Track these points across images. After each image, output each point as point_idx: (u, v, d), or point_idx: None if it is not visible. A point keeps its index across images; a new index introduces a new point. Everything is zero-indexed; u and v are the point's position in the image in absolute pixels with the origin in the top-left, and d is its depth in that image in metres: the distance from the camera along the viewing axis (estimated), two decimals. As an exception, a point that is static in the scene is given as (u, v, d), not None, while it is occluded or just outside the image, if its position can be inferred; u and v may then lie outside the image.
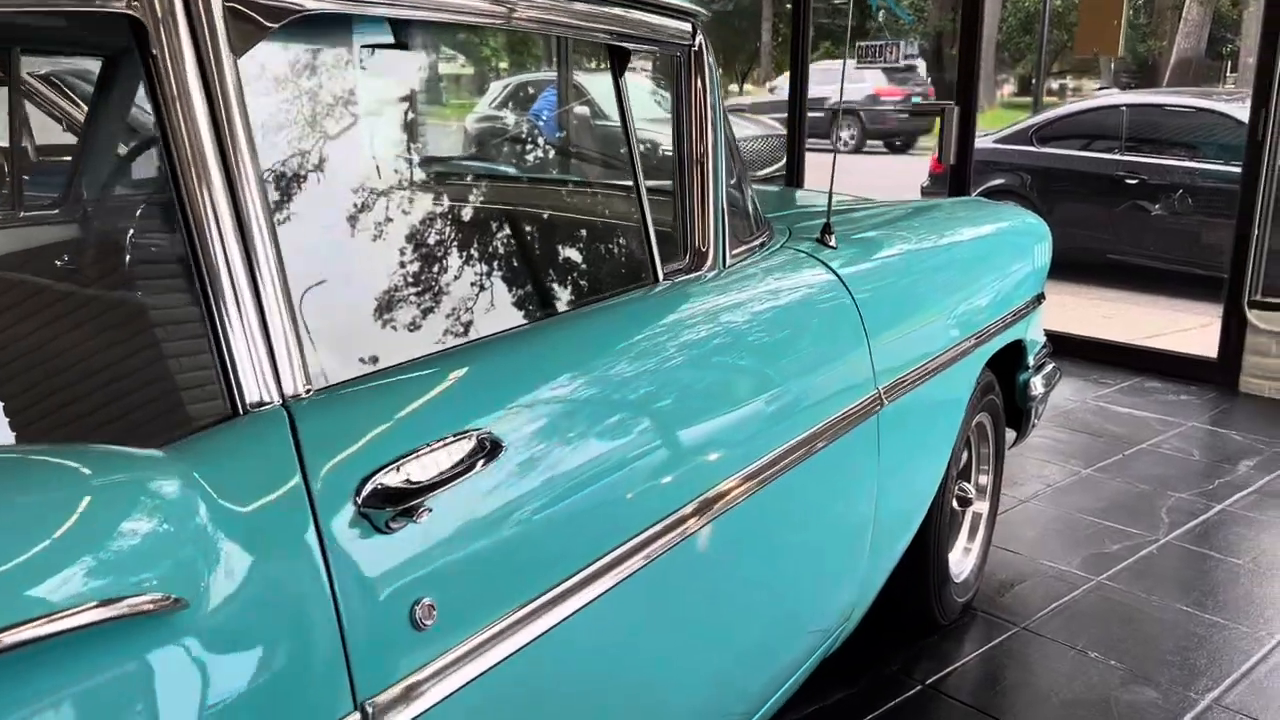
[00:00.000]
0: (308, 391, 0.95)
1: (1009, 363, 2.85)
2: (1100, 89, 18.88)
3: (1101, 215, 7.86)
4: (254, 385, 0.90)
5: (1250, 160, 4.52)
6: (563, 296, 1.44)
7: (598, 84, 5.90)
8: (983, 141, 8.54)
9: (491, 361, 1.13)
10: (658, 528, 1.26)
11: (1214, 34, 21.58)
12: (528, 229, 1.53)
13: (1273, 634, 2.60)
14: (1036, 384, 2.91)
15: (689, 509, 1.31)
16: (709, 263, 1.62)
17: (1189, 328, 6.55)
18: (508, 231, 1.41)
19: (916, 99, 15.27)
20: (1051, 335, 5.30)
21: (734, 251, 1.71)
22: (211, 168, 0.88)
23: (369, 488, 0.90)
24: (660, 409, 1.30)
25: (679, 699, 1.43)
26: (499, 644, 1.04)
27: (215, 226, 0.88)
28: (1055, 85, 25.28)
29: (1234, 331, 4.63)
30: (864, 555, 1.94)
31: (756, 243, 1.84)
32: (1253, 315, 4.55)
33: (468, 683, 0.99)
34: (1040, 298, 2.99)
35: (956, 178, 5.46)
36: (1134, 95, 9.09)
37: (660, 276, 1.52)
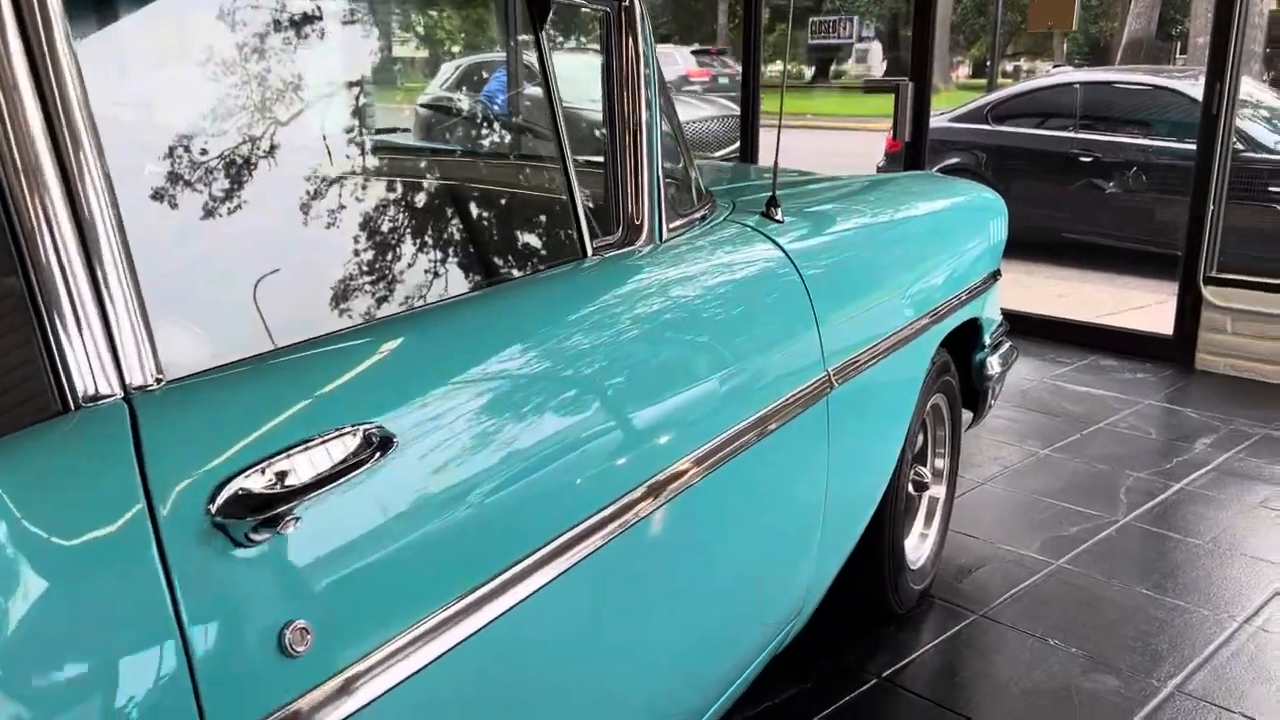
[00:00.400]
0: (158, 382, 0.82)
1: (965, 342, 2.76)
2: (1055, 67, 18.95)
3: (1056, 193, 7.83)
4: (87, 374, 0.76)
5: (1205, 134, 4.47)
6: (470, 275, 1.31)
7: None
8: (938, 120, 8.48)
9: (384, 346, 1.00)
10: (577, 531, 1.14)
11: (1164, 14, 21.77)
12: (430, 202, 1.39)
13: (1234, 617, 2.54)
14: (993, 363, 2.83)
15: (607, 512, 1.19)
16: (644, 236, 1.50)
17: (1144, 305, 6.54)
18: (406, 204, 1.28)
19: (724, 79, 13.88)
20: (1006, 314, 5.23)
21: (672, 225, 1.59)
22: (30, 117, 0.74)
23: (226, 494, 0.77)
24: (583, 396, 1.18)
25: (625, 702, 1.32)
26: (397, 664, 0.92)
27: (37, 184, 0.74)
28: (1010, 67, 25.39)
29: (1189, 308, 4.59)
30: (816, 543, 1.84)
31: (697, 216, 1.72)
32: (1208, 292, 4.51)
33: (358, 710, 0.87)
34: (996, 274, 2.90)
35: (912, 155, 5.37)
36: (1087, 73, 9.06)
37: (589, 251, 1.39)
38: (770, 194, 1.85)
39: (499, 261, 1.36)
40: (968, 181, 3.01)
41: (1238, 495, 3.27)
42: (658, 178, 1.50)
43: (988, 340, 2.82)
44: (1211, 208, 4.45)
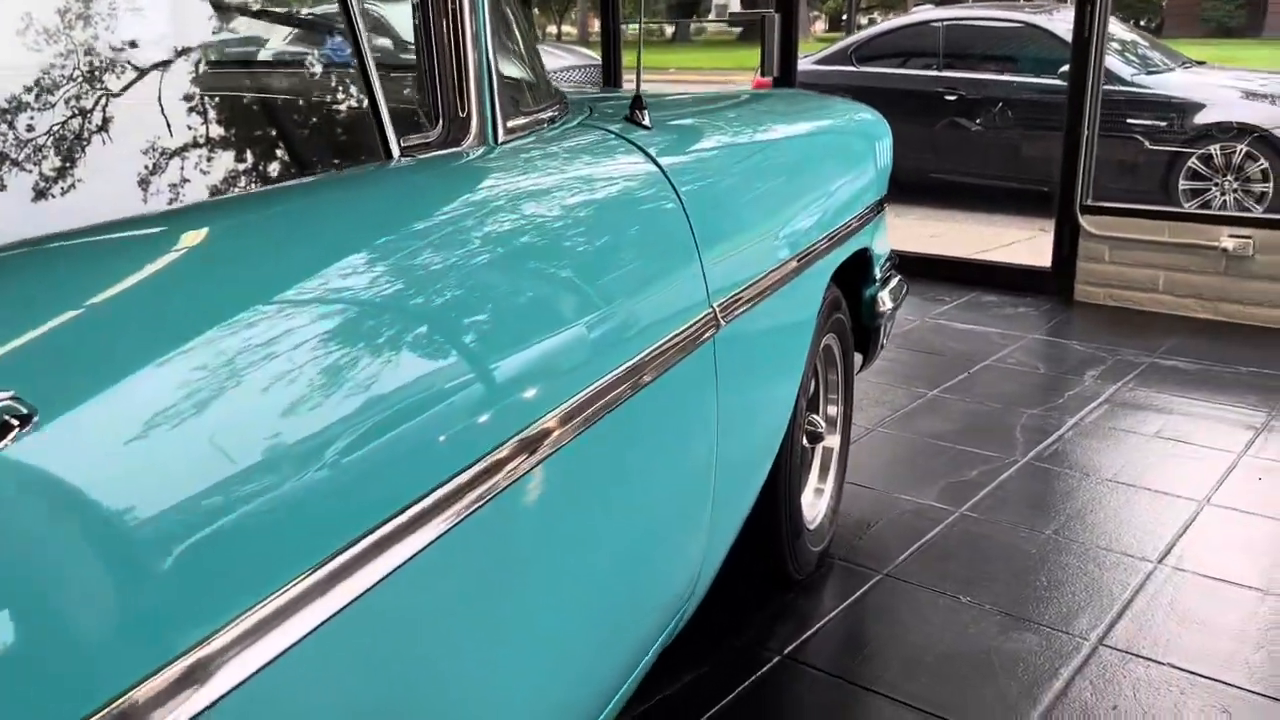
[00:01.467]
0: None
1: (853, 276, 2.52)
2: (918, 4, 19.03)
3: (923, 134, 7.73)
4: None
5: (1077, 59, 4.34)
6: (197, 184, 0.95)
7: None
8: (801, 64, 8.29)
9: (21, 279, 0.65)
10: (409, 514, 0.81)
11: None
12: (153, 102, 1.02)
13: (1147, 557, 2.37)
14: (884, 299, 2.59)
15: (437, 495, 0.87)
16: (472, 134, 1.16)
17: (1015, 240, 6.49)
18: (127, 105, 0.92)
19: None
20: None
21: (511, 123, 1.25)
22: None
23: None
24: (393, 340, 0.85)
25: (498, 707, 1.01)
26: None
27: None
28: (865, 21, 25.56)
29: (1067, 239, 4.48)
30: (708, 507, 1.55)
31: (545, 115, 1.39)
32: (1085, 220, 4.40)
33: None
34: (883, 203, 2.66)
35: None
36: (948, 11, 9.00)
37: (396, 151, 1.05)
38: (635, 94, 1.53)
39: (245, 167, 1.00)
40: (848, 101, 2.75)
41: (1133, 427, 3.14)
42: (488, 60, 1.17)
43: (878, 274, 2.58)
44: (1086, 132, 4.33)
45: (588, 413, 1.13)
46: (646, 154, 1.45)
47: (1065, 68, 4.72)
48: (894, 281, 2.71)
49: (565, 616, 1.14)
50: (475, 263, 1.01)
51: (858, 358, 2.65)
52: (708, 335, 1.45)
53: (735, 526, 1.78)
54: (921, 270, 4.90)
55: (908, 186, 7.98)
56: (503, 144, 1.22)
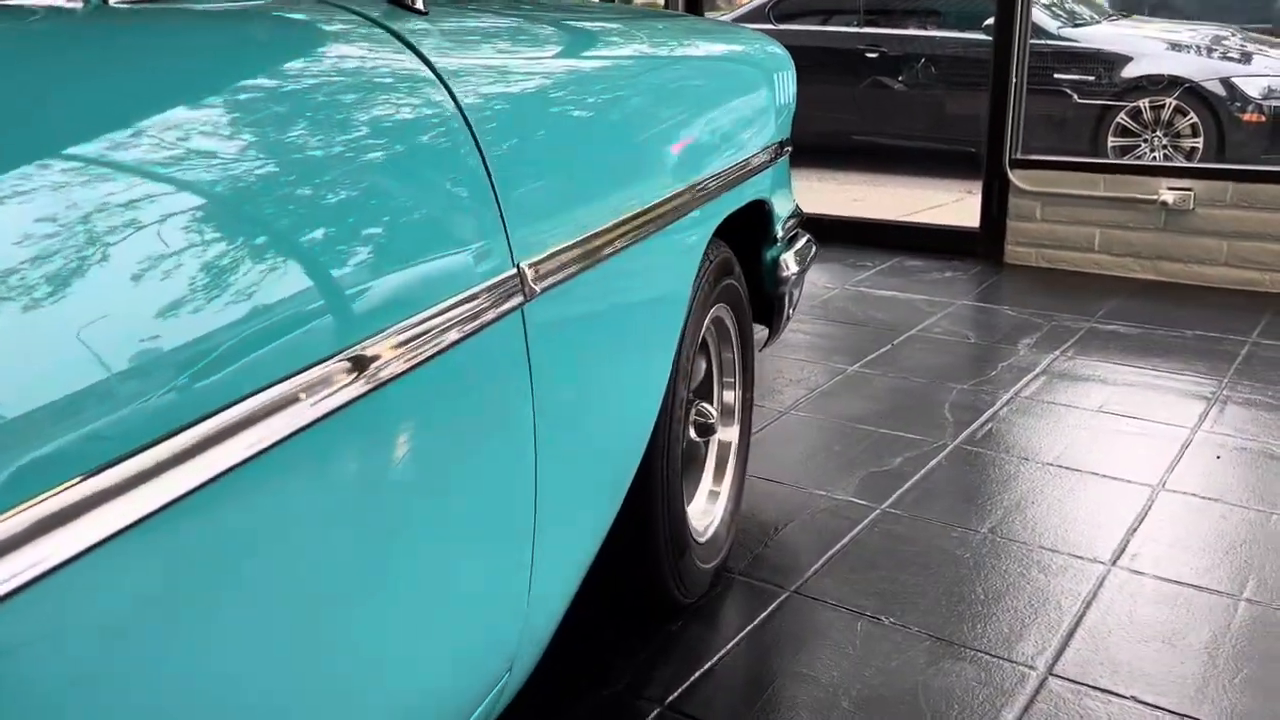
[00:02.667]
0: None
1: (750, 235, 2.12)
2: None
3: (844, 94, 7.37)
4: None
5: (1002, 11, 3.98)
6: None
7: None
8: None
9: None
10: None
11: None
12: None
13: (1097, 558, 2.02)
14: (788, 262, 2.19)
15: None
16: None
17: (941, 204, 6.17)
18: None
19: None
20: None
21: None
22: None
23: None
24: None
25: None
26: None
27: None
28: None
29: (996, 197, 4.14)
30: (528, 535, 1.13)
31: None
32: (1015, 176, 4.06)
33: None
34: (785, 145, 2.26)
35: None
36: (868, -33, 8.61)
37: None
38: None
39: None
40: (748, 29, 2.33)
41: (1073, 401, 2.79)
42: None
43: (780, 232, 2.17)
44: (1014, 79, 3.98)
45: (272, 420, 0.71)
46: (415, 50, 1.02)
47: (990, 21, 4.37)
48: (801, 242, 2.31)
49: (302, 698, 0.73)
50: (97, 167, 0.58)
51: (760, 331, 2.25)
52: (511, 305, 1.02)
53: (583, 553, 1.36)
54: (842, 235, 4.53)
55: (828, 150, 7.65)
56: (173, 5, 0.78)
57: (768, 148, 2.06)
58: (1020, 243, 4.11)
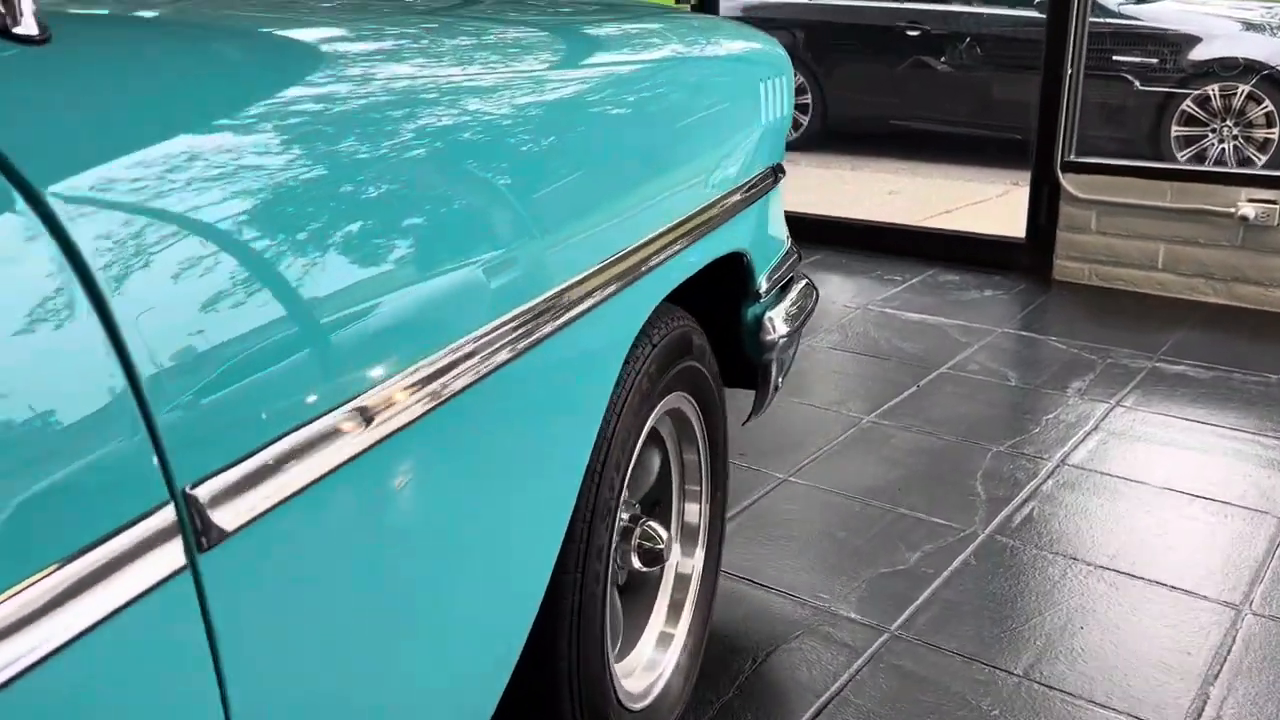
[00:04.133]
0: None
1: (726, 285, 1.66)
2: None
3: (883, 75, 6.83)
4: None
5: (1058, -21, 3.45)
6: None
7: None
8: (746, -6, 7.37)
9: None
10: None
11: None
12: None
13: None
14: (775, 322, 1.72)
15: None
16: None
17: (983, 199, 5.64)
18: None
19: None
20: (821, 223, 4.21)
21: None
22: None
23: None
24: None
25: None
26: None
27: None
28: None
29: (1045, 204, 3.62)
30: None
31: None
32: (1067, 180, 3.54)
33: None
34: (777, 172, 1.79)
35: (700, 24, 4.20)
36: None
37: None
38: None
39: None
40: (739, 24, 1.86)
41: (1131, 472, 2.31)
42: None
43: (763, 285, 1.71)
44: (1070, 70, 3.45)
45: None
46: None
47: (1043, -8, 3.84)
48: (795, 291, 1.85)
49: None
50: None
51: (735, 395, 1.79)
52: (173, 570, 0.58)
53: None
54: (867, 242, 4.04)
55: (865, 136, 7.12)
56: None
57: (748, 182, 1.60)
58: (1071, 257, 3.60)
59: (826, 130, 7.04)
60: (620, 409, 1.25)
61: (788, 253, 1.86)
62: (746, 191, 1.59)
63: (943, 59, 6.57)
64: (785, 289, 1.85)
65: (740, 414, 1.82)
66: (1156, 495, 2.21)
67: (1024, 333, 3.20)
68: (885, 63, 6.81)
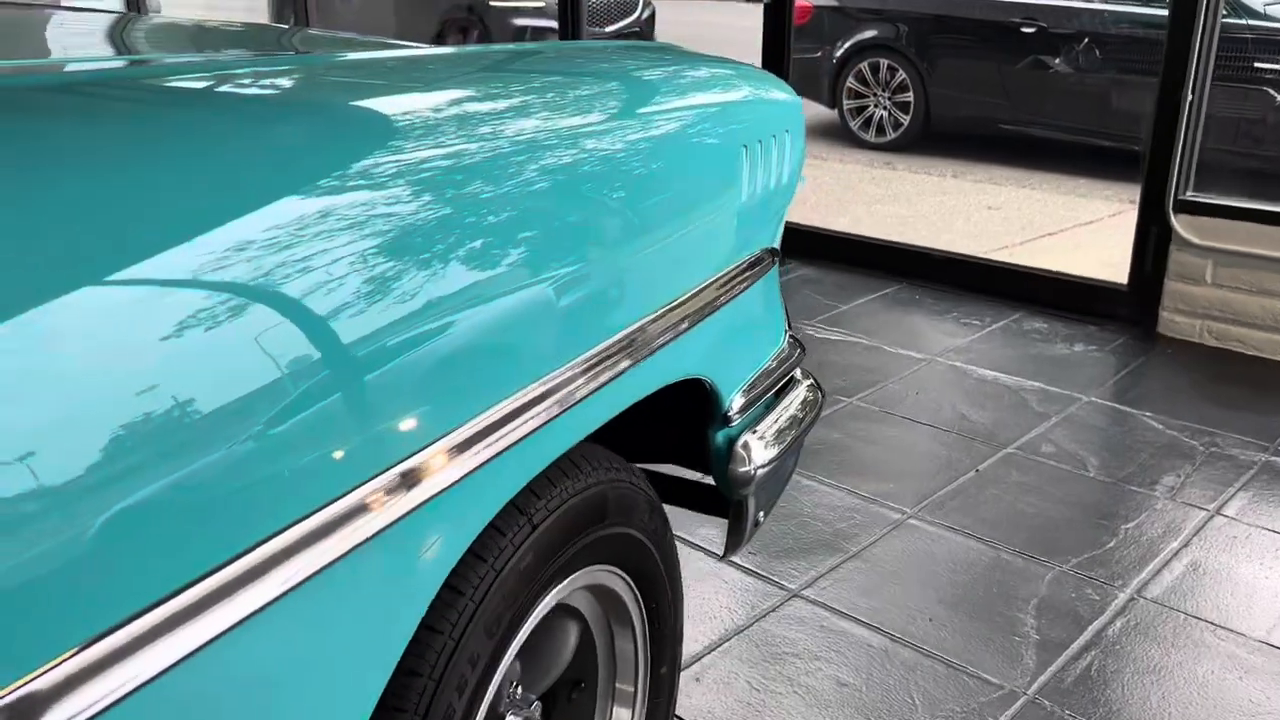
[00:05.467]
0: None
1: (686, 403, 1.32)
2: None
3: (992, 75, 6.29)
4: None
5: (1182, -11, 2.95)
6: None
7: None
8: (846, -16, 6.89)
9: None
10: None
11: None
12: None
13: None
14: (754, 449, 1.36)
15: None
16: None
17: (1095, 218, 5.11)
18: None
19: None
20: (899, 252, 3.78)
21: None
22: None
23: None
24: None
25: None
26: None
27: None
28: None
29: (1152, 248, 3.14)
30: None
31: None
32: (1180, 222, 3.06)
33: None
34: (772, 256, 1.43)
35: (774, 24, 3.81)
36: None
37: None
38: None
39: None
40: (727, 64, 1.50)
41: (1229, 614, 1.88)
42: None
43: (737, 404, 1.35)
44: (1190, 97, 2.96)
45: None
46: None
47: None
48: (790, 400, 1.49)
49: None
50: None
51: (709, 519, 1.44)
52: None
53: None
54: (949, 276, 3.60)
55: (970, 139, 6.58)
56: None
57: (715, 282, 1.25)
58: (1180, 310, 3.11)
59: (928, 131, 6.54)
60: (481, 596, 0.93)
61: (783, 355, 1.50)
62: (710, 297, 1.23)
63: (1059, 59, 6.00)
64: (780, 395, 1.49)
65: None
66: (1257, 654, 1.78)
67: (1114, 404, 2.75)
68: (996, 61, 6.27)
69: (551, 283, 0.94)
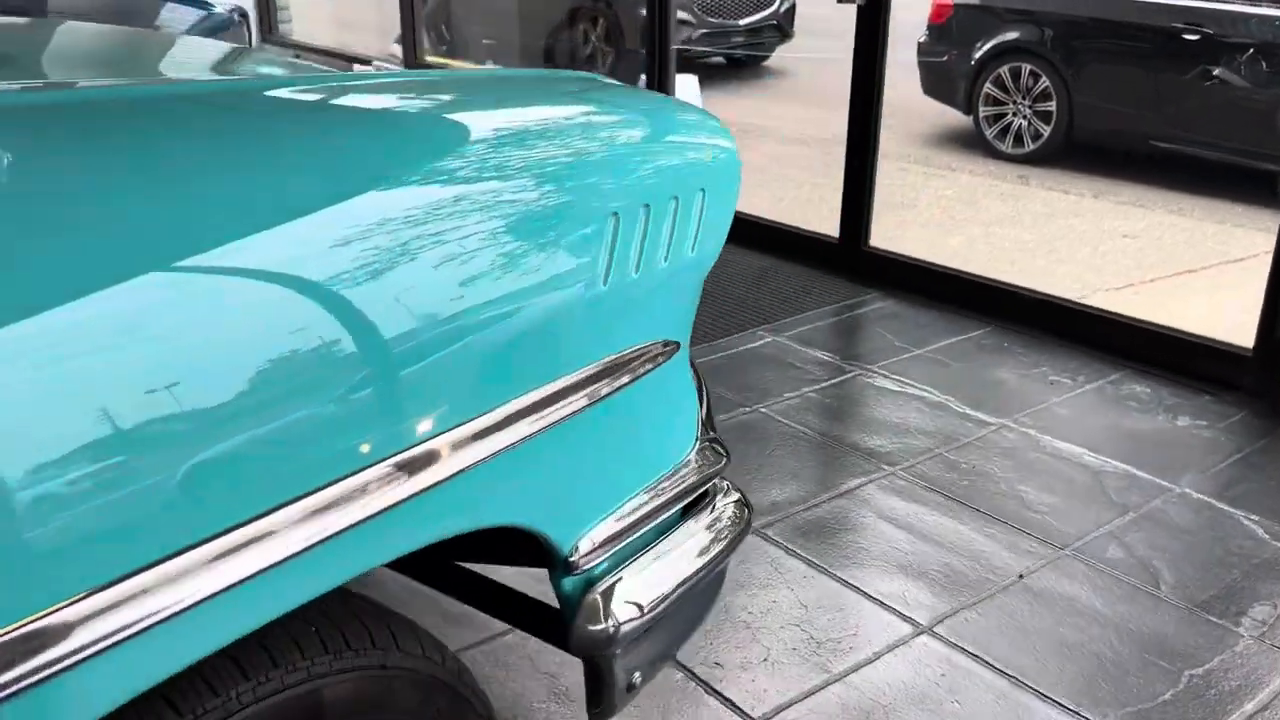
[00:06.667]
0: None
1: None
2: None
3: (1149, 84, 5.67)
4: None
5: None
6: None
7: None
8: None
9: None
10: None
11: None
12: None
13: None
14: (615, 602, 1.06)
15: None
16: None
17: (1245, 256, 4.49)
18: None
19: None
20: (993, 290, 3.34)
21: None
22: None
23: None
24: None
25: None
26: None
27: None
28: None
29: (1286, 308, 2.63)
30: None
31: None
32: (1322, 283, 2.55)
33: None
34: (668, 351, 1.12)
35: (868, 27, 3.42)
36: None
37: None
38: None
39: None
40: (662, 102, 1.18)
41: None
42: None
43: (585, 548, 1.04)
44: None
45: None
46: None
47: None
48: (689, 531, 1.17)
49: None
50: None
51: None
52: None
53: None
54: (1044, 321, 3.15)
55: (1117, 156, 5.95)
56: None
57: (555, 391, 0.95)
58: (1317, 387, 2.60)
59: (1070, 144, 5.95)
60: None
61: (686, 465, 1.18)
62: (536, 415, 0.93)
63: (1224, 70, 5.33)
64: (687, 514, 1.18)
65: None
66: None
67: (1212, 500, 2.29)
68: (1152, 69, 5.64)
69: (240, 416, 0.67)
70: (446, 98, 1.04)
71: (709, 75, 8.70)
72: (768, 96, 8.58)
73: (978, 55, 6.33)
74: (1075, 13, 5.95)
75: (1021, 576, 2.01)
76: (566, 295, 0.95)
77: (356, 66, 5.93)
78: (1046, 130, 6.03)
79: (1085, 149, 5.97)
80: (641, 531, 1.10)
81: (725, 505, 1.24)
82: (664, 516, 1.13)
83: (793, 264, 3.71)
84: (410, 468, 0.82)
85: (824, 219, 3.60)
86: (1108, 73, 5.82)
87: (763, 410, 2.66)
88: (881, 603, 1.92)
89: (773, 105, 8.18)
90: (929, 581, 1.98)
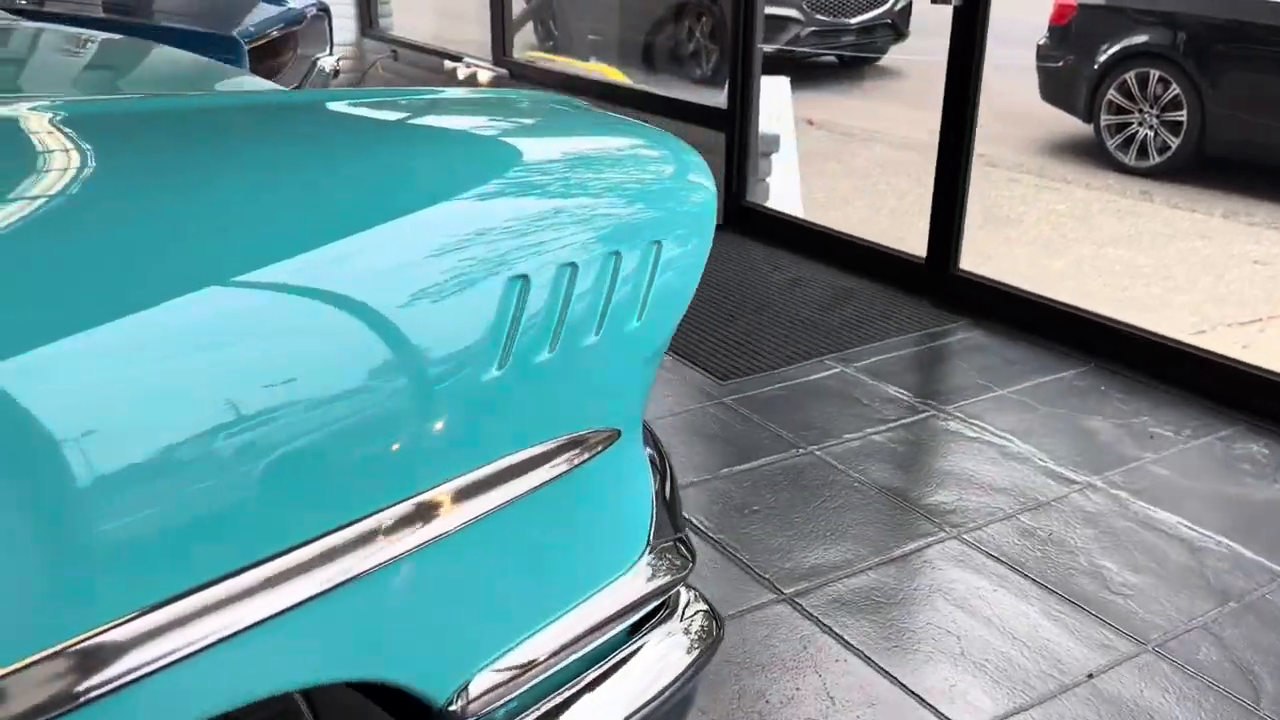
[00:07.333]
0: None
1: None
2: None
3: (1285, 92, 5.17)
4: None
5: None
6: None
7: None
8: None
9: None
10: None
11: None
12: None
13: None
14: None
15: None
16: None
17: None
18: None
19: None
20: (1095, 327, 3.00)
21: None
22: None
23: None
24: None
25: None
26: None
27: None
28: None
29: None
30: None
31: None
32: None
33: None
34: (605, 441, 0.90)
35: (964, 31, 3.12)
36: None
37: None
38: None
39: None
40: (632, 131, 0.97)
41: None
42: None
43: (476, 691, 0.84)
44: None
45: None
46: None
47: None
48: (637, 664, 0.95)
49: None
50: None
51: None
52: None
53: None
54: (1150, 362, 2.81)
55: (1254, 173, 5.45)
56: None
57: (427, 500, 0.75)
58: None
59: (1201, 157, 5.48)
60: None
61: (620, 582, 0.96)
62: (394, 535, 0.73)
63: (1380, 81, 4.82)
64: (638, 630, 0.96)
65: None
66: None
67: (1334, 592, 1.95)
68: (1296, 77, 5.14)
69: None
70: (313, 129, 0.84)
71: (817, 76, 8.39)
72: (879, 99, 8.22)
73: (1102, 59, 5.89)
74: (1212, 14, 5.47)
75: (1091, 676, 1.72)
76: (439, 385, 0.74)
77: (446, 63, 5.83)
78: (1175, 142, 5.57)
79: (1217, 163, 5.50)
80: (560, 664, 0.89)
81: (690, 619, 1.02)
82: (597, 643, 0.92)
83: (873, 285, 3.43)
84: (206, 613, 0.63)
85: (923, 235, 3.31)
86: (1246, 80, 5.32)
87: (817, 453, 2.41)
88: (922, 699, 1.67)
89: (884, 108, 7.83)
90: (983, 676, 1.72)
